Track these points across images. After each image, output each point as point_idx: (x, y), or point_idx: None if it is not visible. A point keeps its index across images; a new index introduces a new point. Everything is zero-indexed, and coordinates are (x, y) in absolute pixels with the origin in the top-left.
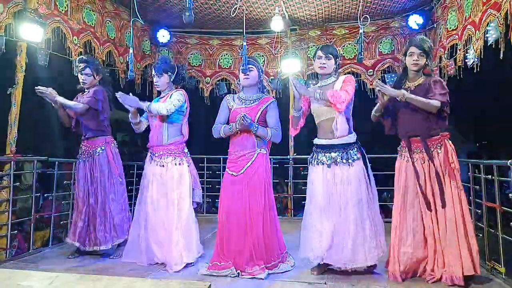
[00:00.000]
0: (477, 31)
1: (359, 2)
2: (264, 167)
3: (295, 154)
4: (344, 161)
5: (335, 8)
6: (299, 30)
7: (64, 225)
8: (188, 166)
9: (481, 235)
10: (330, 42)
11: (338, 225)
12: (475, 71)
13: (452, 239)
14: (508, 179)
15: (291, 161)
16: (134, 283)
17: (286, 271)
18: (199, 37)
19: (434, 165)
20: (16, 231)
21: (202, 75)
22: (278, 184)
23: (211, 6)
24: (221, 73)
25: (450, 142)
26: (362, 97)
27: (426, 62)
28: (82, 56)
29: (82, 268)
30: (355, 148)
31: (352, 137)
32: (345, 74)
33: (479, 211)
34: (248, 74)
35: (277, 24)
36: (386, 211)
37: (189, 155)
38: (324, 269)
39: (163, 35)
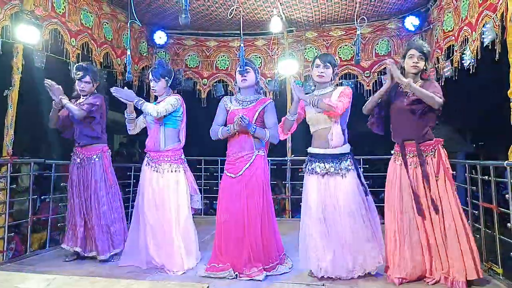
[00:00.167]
0: (474, 32)
1: (356, 3)
2: (262, 169)
3: (293, 155)
4: (338, 171)
5: (332, 10)
6: (296, 31)
7: (62, 227)
8: (185, 172)
9: (478, 236)
10: (327, 43)
11: (335, 237)
12: (471, 72)
13: (453, 244)
14: (504, 180)
15: (289, 163)
16: (132, 285)
17: (284, 272)
18: (196, 39)
19: (425, 170)
20: (13, 234)
21: (199, 76)
22: (276, 185)
23: (208, 8)
24: (218, 74)
25: (443, 148)
26: (358, 99)
27: (425, 66)
28: (81, 64)
29: (80, 270)
30: (349, 159)
31: (346, 148)
32: (342, 75)
33: (476, 212)
34: (245, 76)
35: (275, 25)
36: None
37: (185, 161)
38: None
39: (160, 37)
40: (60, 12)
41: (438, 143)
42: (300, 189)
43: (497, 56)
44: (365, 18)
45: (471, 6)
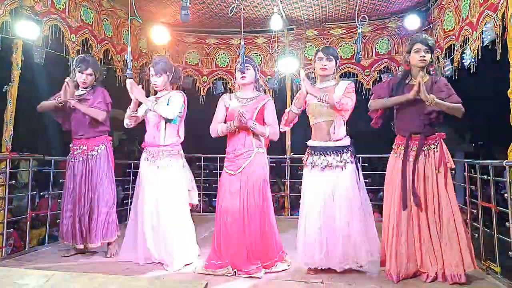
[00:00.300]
0: (475, 32)
1: (356, 2)
2: (262, 166)
3: (292, 153)
4: (338, 163)
5: (332, 8)
6: (296, 29)
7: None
8: (183, 168)
9: (476, 234)
10: (327, 42)
11: (332, 228)
12: (471, 71)
13: (452, 238)
14: (503, 179)
15: (288, 160)
16: (130, 281)
17: (283, 270)
18: (196, 36)
19: (422, 163)
20: (12, 230)
21: (199, 74)
22: (275, 183)
23: (208, 5)
24: (218, 72)
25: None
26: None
27: (431, 59)
28: (82, 55)
29: (78, 266)
30: (349, 152)
31: (347, 140)
32: (342, 74)
33: (475, 211)
34: (245, 73)
35: (275, 23)
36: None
37: (184, 157)
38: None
39: (160, 34)
40: (60, 8)
41: (440, 137)
42: (299, 187)
43: (498, 56)
44: (366, 17)
45: (472, 5)
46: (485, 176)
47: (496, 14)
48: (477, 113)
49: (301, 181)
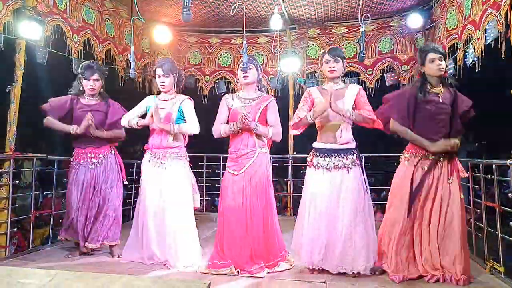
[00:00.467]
0: (478, 30)
1: (359, 1)
2: (265, 166)
3: (294, 153)
4: (344, 166)
5: (335, 7)
6: (299, 29)
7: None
8: (188, 169)
9: (480, 234)
10: (330, 41)
11: (332, 230)
12: (476, 70)
13: (457, 245)
14: (507, 178)
15: (290, 160)
16: (134, 281)
17: (286, 269)
18: (198, 36)
19: (437, 172)
20: (15, 229)
21: (201, 73)
22: (278, 183)
23: (210, 5)
24: (220, 71)
25: None
26: None
27: (446, 65)
28: (87, 63)
29: (82, 266)
30: (355, 154)
31: (353, 143)
32: (344, 73)
33: (478, 210)
34: (247, 73)
35: (275, 23)
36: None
37: (188, 159)
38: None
39: (162, 34)
40: (62, 8)
41: None
42: (302, 186)
43: (503, 55)
44: (369, 16)
45: (474, 4)
46: (489, 176)
47: (499, 12)
48: (480, 112)
49: (303, 181)
